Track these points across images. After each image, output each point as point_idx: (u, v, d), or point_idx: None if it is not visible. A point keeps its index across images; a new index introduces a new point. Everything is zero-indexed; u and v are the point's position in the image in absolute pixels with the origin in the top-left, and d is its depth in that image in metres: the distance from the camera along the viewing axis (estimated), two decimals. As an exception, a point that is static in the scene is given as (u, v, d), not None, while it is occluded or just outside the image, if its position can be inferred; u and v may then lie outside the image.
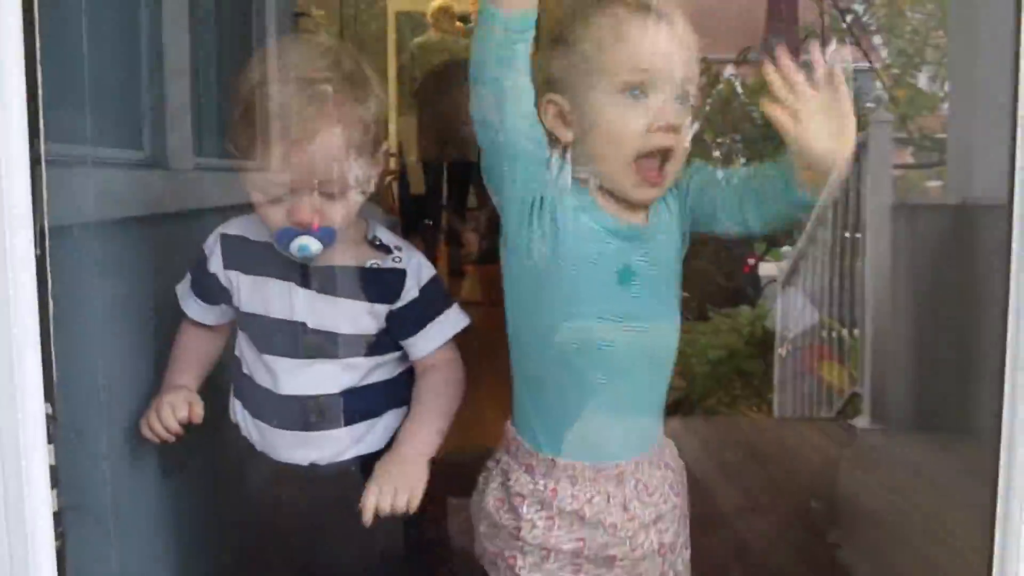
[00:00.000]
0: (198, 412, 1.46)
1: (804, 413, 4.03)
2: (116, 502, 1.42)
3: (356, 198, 1.42)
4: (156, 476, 1.60)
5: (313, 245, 1.38)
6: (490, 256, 5.63)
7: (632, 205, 1.36)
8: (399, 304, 1.48)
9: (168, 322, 1.53)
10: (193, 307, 1.54)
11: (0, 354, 1.02)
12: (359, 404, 1.49)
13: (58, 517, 1.09)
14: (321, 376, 1.47)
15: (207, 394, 1.51)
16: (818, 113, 1.24)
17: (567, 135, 1.34)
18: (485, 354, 1.55)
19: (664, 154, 1.31)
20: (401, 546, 1.51)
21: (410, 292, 1.48)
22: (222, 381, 1.56)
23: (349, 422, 1.48)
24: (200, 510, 1.58)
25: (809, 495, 2.81)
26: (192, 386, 1.52)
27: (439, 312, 1.50)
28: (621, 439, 1.41)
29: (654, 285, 1.37)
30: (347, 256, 1.47)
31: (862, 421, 3.60)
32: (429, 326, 1.49)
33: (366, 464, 1.46)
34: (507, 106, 1.27)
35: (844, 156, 1.26)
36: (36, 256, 1.04)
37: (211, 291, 1.52)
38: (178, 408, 1.45)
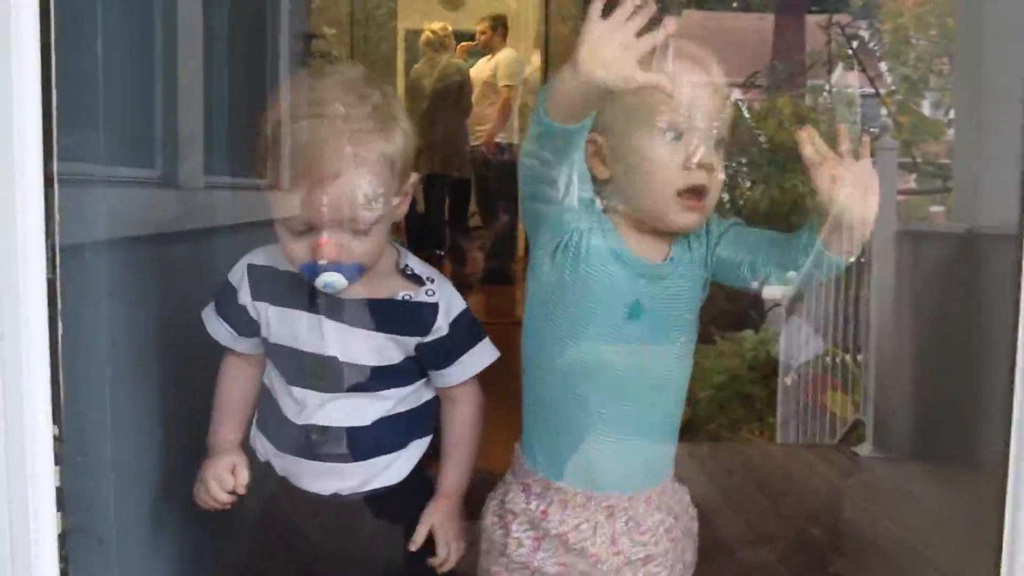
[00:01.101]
0: (242, 480, 1.46)
1: (807, 439, 4.02)
2: (120, 524, 1.42)
3: (382, 232, 1.40)
4: (160, 499, 1.60)
5: (339, 282, 1.36)
6: (495, 276, 5.66)
7: (655, 244, 1.40)
8: (430, 338, 1.46)
9: (176, 341, 1.53)
10: (224, 334, 1.51)
11: (9, 375, 1.02)
12: (386, 436, 1.48)
13: (62, 539, 1.08)
14: (350, 409, 1.46)
15: (207, 403, 1.51)
16: (851, 179, 1.31)
17: (604, 172, 1.39)
18: (488, 376, 1.55)
19: (700, 190, 1.36)
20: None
21: (441, 327, 1.46)
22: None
23: (375, 454, 1.47)
24: (205, 532, 1.58)
25: (811, 523, 2.80)
26: (237, 438, 1.52)
27: (470, 346, 1.50)
28: (617, 474, 1.43)
29: (662, 325, 1.40)
30: (378, 287, 1.45)
31: (865, 449, 3.59)
32: (461, 359, 1.49)
33: (387, 495, 1.48)
34: (561, 182, 1.34)
35: (872, 221, 1.33)
36: (48, 280, 1.04)
37: (241, 322, 1.49)
38: (224, 481, 1.45)
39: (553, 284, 1.39)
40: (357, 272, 1.37)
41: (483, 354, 1.51)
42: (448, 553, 1.49)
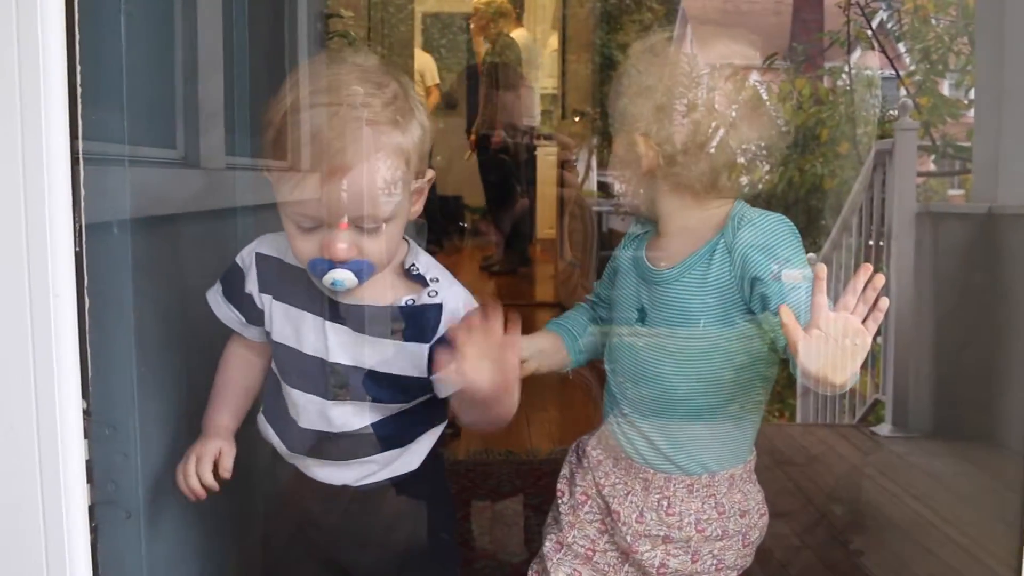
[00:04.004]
0: (227, 465, 1.41)
1: (826, 419, 4.02)
2: (147, 498, 1.44)
3: (395, 231, 1.34)
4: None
5: (347, 280, 1.29)
6: (512, 259, 5.66)
7: (676, 250, 1.45)
8: (435, 340, 1.36)
9: (198, 319, 1.54)
10: (233, 320, 1.45)
11: (40, 351, 1.04)
12: (394, 433, 1.42)
13: (92, 511, 1.10)
14: (351, 415, 1.40)
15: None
16: (826, 344, 1.21)
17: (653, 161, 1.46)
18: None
19: None
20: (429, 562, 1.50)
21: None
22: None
23: (384, 449, 1.42)
24: (229, 506, 1.59)
25: (831, 501, 2.80)
26: (231, 424, 1.46)
27: None
28: (648, 454, 1.49)
29: (670, 327, 1.43)
30: (381, 291, 1.37)
31: (884, 428, 3.59)
32: None
33: (401, 481, 1.45)
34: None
35: (837, 385, 1.23)
36: (75, 253, 1.06)
37: (248, 310, 1.44)
38: (204, 464, 1.39)
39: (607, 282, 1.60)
40: (368, 271, 1.30)
41: None
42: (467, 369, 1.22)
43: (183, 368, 1.57)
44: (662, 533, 1.47)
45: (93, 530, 1.10)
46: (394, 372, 1.38)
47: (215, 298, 1.47)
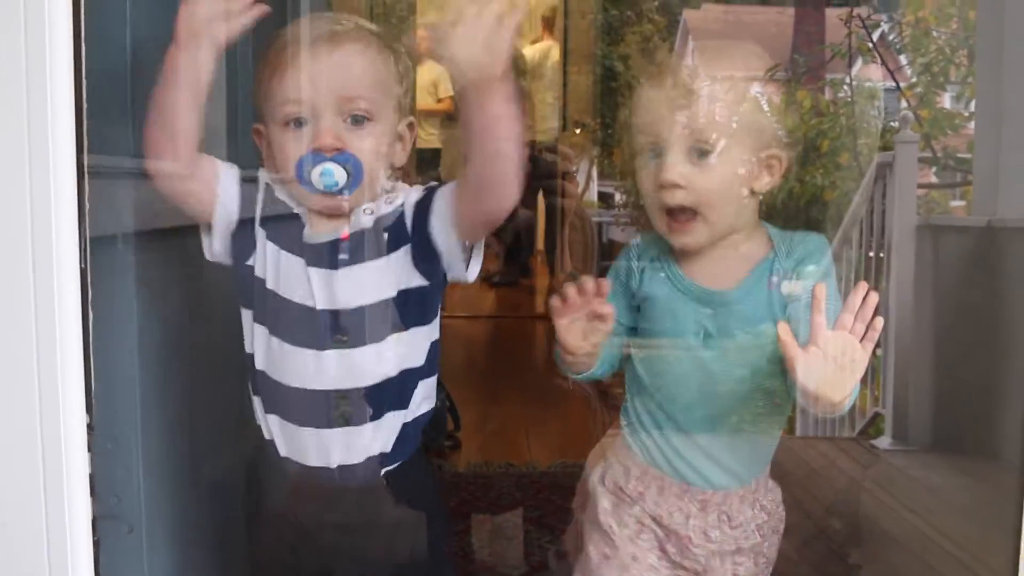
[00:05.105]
0: None
1: (826, 432, 4.02)
2: (149, 512, 1.44)
3: (380, 139, 1.35)
4: (188, 487, 1.62)
5: (337, 173, 1.29)
6: (514, 271, 5.66)
7: (723, 270, 1.42)
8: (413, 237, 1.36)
9: (202, 332, 1.54)
10: (230, 192, 1.38)
11: (44, 365, 1.04)
12: (392, 393, 1.39)
13: (94, 525, 1.11)
14: (352, 367, 1.37)
15: (234, 394, 1.49)
16: (824, 362, 1.24)
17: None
18: (507, 370, 1.56)
19: (676, 210, 1.38)
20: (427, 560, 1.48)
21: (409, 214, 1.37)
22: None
23: (377, 415, 1.39)
24: (230, 518, 1.60)
25: (830, 515, 2.80)
26: None
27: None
28: (702, 472, 1.47)
29: (738, 347, 1.41)
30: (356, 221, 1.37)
31: (884, 441, 3.59)
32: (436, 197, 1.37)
33: (392, 478, 1.43)
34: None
35: (835, 403, 1.26)
36: (80, 269, 1.06)
37: (239, 229, 1.38)
38: None
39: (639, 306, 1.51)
40: (356, 169, 1.30)
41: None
42: None
43: (186, 383, 1.57)
44: (733, 547, 1.48)
45: (95, 544, 1.10)
46: (384, 297, 1.37)
47: (228, 172, 1.39)
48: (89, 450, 1.08)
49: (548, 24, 5.84)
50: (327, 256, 1.36)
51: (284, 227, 1.37)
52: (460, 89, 1.25)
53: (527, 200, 5.60)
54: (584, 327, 1.37)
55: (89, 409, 1.08)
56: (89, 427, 1.08)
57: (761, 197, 1.45)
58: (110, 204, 1.29)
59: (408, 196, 1.39)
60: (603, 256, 5.58)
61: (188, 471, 1.61)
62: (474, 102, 1.24)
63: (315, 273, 1.36)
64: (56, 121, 1.04)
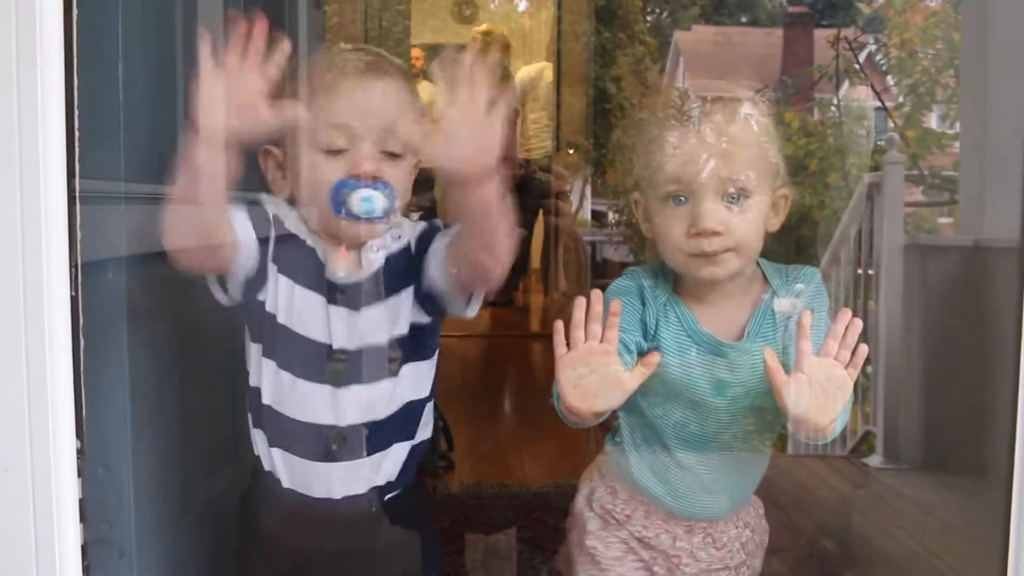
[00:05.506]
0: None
1: (817, 451, 4.02)
2: (140, 537, 1.43)
3: (407, 175, 1.37)
4: (179, 512, 1.61)
5: (376, 199, 1.30)
6: (509, 290, 5.66)
7: (727, 312, 1.40)
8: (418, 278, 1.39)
9: (194, 357, 1.54)
10: (247, 231, 1.35)
11: (35, 391, 1.05)
12: (399, 425, 1.41)
13: (84, 550, 1.11)
14: (359, 402, 1.37)
15: (225, 420, 1.49)
16: (810, 388, 1.26)
17: (649, 231, 1.41)
18: (500, 389, 1.57)
19: (710, 256, 1.34)
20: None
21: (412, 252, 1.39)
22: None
23: (384, 447, 1.40)
24: (221, 544, 1.59)
25: (821, 533, 2.80)
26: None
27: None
28: (693, 505, 1.47)
29: (748, 395, 1.38)
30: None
31: (875, 459, 3.59)
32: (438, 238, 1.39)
33: (392, 505, 1.44)
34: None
35: (822, 427, 1.26)
36: (71, 297, 1.07)
37: (252, 267, 1.36)
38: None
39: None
40: (391, 200, 1.31)
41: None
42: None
43: (177, 408, 1.57)
44: (720, 566, 1.50)
45: (86, 569, 1.10)
46: (396, 334, 1.38)
47: (241, 219, 1.35)
48: (80, 475, 1.09)
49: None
50: (350, 295, 1.37)
51: (299, 261, 1.37)
52: (448, 182, 1.26)
53: (522, 220, 5.60)
54: (596, 385, 1.27)
55: (80, 434, 1.08)
56: (80, 452, 1.09)
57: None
58: (104, 229, 1.28)
59: (412, 231, 1.41)
60: (597, 275, 5.59)
61: (179, 497, 1.60)
62: (465, 193, 1.25)
63: (336, 312, 1.37)
64: (47, 147, 1.04)
